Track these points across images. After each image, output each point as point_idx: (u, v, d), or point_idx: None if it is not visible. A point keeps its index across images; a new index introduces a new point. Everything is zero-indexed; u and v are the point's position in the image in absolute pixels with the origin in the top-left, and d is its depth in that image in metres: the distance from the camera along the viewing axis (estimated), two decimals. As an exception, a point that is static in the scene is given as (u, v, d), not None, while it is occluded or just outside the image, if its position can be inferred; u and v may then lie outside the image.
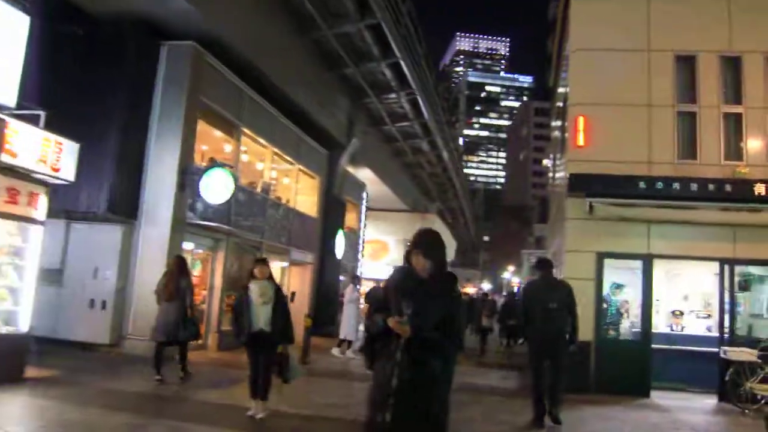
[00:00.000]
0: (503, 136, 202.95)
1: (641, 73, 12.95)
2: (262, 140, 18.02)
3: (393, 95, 24.48)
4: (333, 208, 23.64)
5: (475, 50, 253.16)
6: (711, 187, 12.14)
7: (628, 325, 13.43)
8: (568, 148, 13.28)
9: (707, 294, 13.98)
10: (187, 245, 14.67)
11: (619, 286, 13.14)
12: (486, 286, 79.23)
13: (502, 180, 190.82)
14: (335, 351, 16.41)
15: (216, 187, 13.77)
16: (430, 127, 28.79)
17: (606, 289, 12.80)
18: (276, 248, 19.29)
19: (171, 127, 13.80)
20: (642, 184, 12.20)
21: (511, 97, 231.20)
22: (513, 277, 67.61)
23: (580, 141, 12.76)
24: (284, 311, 8.30)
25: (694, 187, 12.15)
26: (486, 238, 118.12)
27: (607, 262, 12.57)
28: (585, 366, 12.08)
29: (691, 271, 13.97)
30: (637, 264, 12.68)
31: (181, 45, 14.02)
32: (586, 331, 12.08)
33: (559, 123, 19.42)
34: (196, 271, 15.71)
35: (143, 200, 13.70)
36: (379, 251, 40.43)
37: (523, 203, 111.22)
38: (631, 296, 13.20)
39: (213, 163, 14.27)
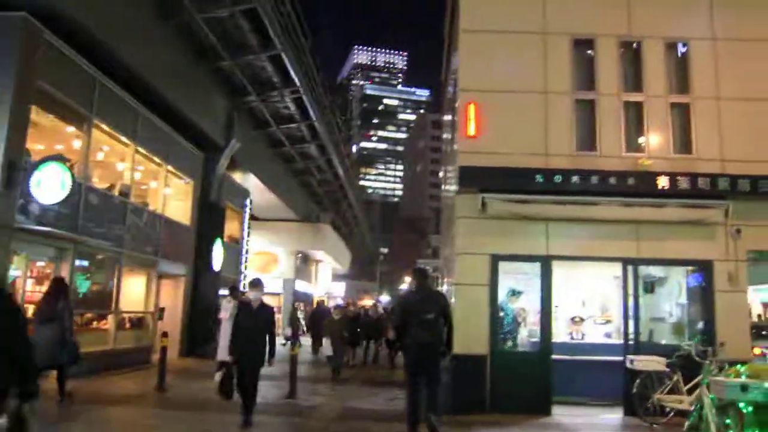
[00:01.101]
0: (401, 148, 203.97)
1: (536, 57, 11.77)
2: (121, 137, 15.89)
3: (276, 93, 22.74)
4: (210, 216, 21.59)
5: (373, 63, 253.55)
6: (612, 180, 11.05)
7: (526, 334, 12.26)
8: (457, 140, 11.95)
9: (605, 298, 13.06)
10: (19, 255, 12.43)
11: (515, 293, 11.91)
12: (384, 298, 78.14)
13: (400, 192, 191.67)
14: (217, 377, 14.14)
15: (49, 185, 11.61)
16: (318, 129, 27.20)
17: (501, 296, 11.50)
18: (139, 259, 17.12)
19: (-5, 114, 11.53)
20: (539, 178, 10.98)
21: (408, 111, 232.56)
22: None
23: (471, 130, 11.43)
24: (19, 343, 4.04)
25: (594, 180, 11.03)
26: (384, 251, 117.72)
27: (503, 265, 11.25)
28: (479, 382, 10.71)
29: (589, 273, 12.98)
30: (535, 267, 11.46)
31: (8, 16, 11.77)
32: (479, 344, 10.80)
33: (449, 136, 18.23)
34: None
35: (-42, 200, 11.34)
36: (268, 263, 38.48)
37: (421, 215, 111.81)
38: (528, 303, 12.00)
39: (46, 157, 12.05)
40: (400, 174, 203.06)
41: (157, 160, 18.20)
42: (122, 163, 16.71)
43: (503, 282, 11.33)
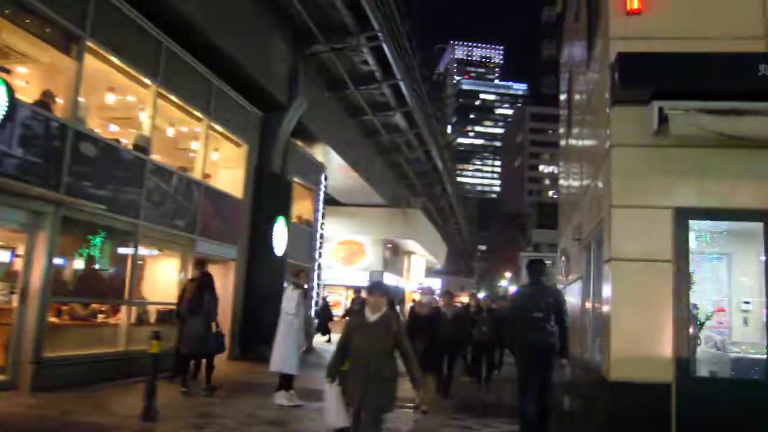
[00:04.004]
0: (498, 144, 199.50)
1: None
2: (133, 72, 12.04)
3: (350, 41, 18.56)
4: (270, 189, 17.64)
5: (469, 58, 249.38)
6: None
7: (716, 346, 7.67)
8: (607, 23, 7.24)
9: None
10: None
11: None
12: (481, 295, 73.32)
13: (498, 189, 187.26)
14: (280, 398, 9.91)
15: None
16: (404, 92, 22.86)
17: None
18: (166, 235, 13.31)
19: None
20: (764, 69, 6.21)
21: (505, 105, 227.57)
22: (510, 285, 61.84)
23: (634, 2, 6.79)
24: None
25: None
26: (482, 248, 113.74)
27: (696, 226, 6.57)
28: (659, 429, 6.09)
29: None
30: (750, 230, 6.78)
31: None
32: (656, 364, 6.20)
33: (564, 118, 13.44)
34: None
35: None
36: (354, 254, 34.58)
37: (520, 211, 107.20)
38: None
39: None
40: (498, 170, 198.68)
41: (195, 112, 14.36)
42: (141, 111, 12.90)
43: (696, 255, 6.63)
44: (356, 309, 20.09)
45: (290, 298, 10.20)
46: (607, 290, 6.70)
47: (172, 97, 13.36)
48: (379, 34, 18.41)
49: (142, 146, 12.29)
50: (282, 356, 9.85)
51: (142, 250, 12.74)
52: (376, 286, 6.04)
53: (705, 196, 6.40)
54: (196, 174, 14.60)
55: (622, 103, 6.61)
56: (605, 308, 6.74)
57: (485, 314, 14.51)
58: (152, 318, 13.32)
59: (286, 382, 9.92)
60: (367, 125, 25.58)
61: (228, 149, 16.58)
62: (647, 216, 6.45)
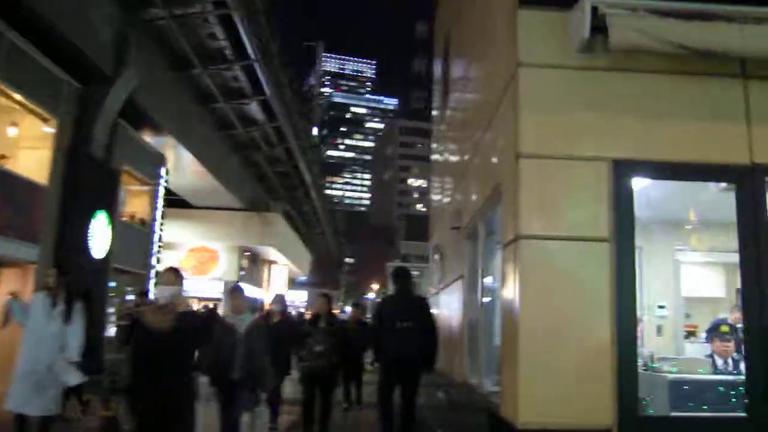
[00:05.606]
0: (368, 157, 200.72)
1: None
2: None
3: (193, 4, 15.76)
4: (88, 176, 14.43)
5: (341, 71, 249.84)
6: None
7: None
8: None
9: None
10: None
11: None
12: (348, 309, 71.44)
13: (368, 202, 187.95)
14: None
15: None
16: (259, 76, 20.21)
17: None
18: None
19: None
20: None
21: (376, 119, 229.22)
22: (377, 298, 60.26)
23: None
24: None
25: None
26: (350, 260, 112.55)
27: (639, 185, 4.44)
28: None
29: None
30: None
31: None
32: (592, 400, 3.96)
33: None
34: None
35: None
36: (206, 262, 31.41)
37: (389, 223, 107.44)
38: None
39: None
40: (368, 183, 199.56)
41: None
42: None
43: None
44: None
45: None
46: (508, 288, 4.45)
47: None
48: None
49: None
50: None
51: None
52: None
53: (656, 144, 4.28)
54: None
55: (533, 5, 4.40)
56: (506, 316, 4.49)
57: (323, 325, 8.47)
58: None
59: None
60: (220, 115, 22.71)
61: (31, 124, 13.35)
62: (571, 171, 4.26)
